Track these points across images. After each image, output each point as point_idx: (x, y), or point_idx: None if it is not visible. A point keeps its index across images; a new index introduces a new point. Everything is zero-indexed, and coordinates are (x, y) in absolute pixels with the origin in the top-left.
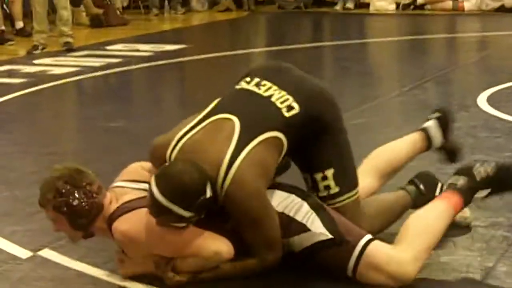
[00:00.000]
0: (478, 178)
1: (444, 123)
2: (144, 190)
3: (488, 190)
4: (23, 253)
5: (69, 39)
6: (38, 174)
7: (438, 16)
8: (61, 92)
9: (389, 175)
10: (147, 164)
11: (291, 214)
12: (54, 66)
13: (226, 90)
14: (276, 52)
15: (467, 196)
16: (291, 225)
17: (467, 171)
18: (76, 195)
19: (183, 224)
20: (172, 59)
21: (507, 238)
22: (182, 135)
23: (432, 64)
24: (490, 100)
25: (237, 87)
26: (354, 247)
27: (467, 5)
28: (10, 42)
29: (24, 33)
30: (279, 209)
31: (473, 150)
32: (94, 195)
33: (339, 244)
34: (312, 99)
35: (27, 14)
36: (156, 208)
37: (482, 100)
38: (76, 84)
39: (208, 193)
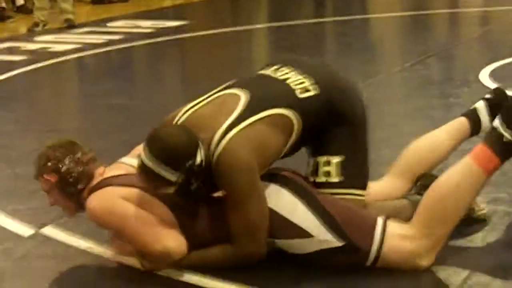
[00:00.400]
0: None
1: (496, 104)
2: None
3: None
4: (25, 231)
5: (70, 16)
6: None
7: None
8: (62, 70)
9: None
10: None
11: (287, 216)
12: (55, 43)
13: (230, 67)
14: (278, 28)
15: (506, 153)
16: (287, 228)
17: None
18: (66, 161)
19: (171, 189)
20: (174, 35)
21: (509, 214)
22: (188, 109)
23: (435, 40)
24: (493, 75)
25: (255, 72)
26: (367, 253)
27: None
28: (10, 19)
29: (24, 10)
30: (271, 205)
31: None
32: (84, 164)
33: (351, 251)
34: (332, 86)
35: None
36: (144, 173)
37: (484, 76)
38: (77, 61)
39: (198, 159)
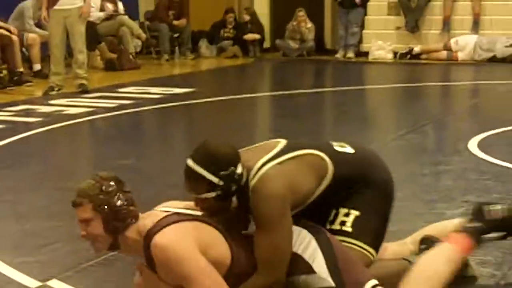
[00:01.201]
0: (488, 220)
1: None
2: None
3: (498, 233)
4: (32, 283)
5: (84, 81)
6: (49, 208)
7: (433, 65)
8: (75, 131)
9: None
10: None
11: (299, 251)
12: (69, 106)
13: (233, 132)
14: (280, 97)
15: (476, 237)
16: (298, 263)
17: (477, 213)
18: (121, 196)
19: (212, 194)
20: (181, 101)
21: (494, 276)
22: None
23: (427, 110)
24: (480, 145)
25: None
26: None
27: (461, 55)
28: (27, 83)
29: (41, 75)
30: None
31: (464, 191)
32: (132, 203)
33: None
34: (369, 153)
35: (45, 58)
36: (188, 176)
37: (473, 145)
38: (89, 124)
39: (239, 169)
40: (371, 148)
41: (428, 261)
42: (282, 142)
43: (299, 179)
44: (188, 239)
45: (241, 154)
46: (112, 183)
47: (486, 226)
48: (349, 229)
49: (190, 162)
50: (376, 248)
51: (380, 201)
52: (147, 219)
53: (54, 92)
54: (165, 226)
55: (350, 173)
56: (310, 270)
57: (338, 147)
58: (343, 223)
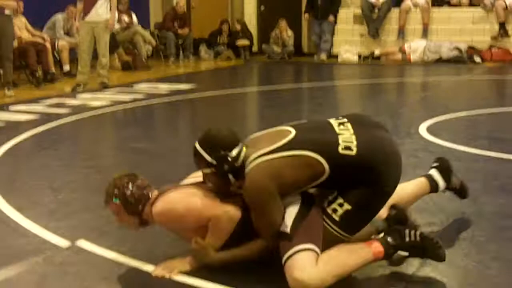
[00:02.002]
0: (406, 240)
1: (443, 170)
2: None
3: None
4: (63, 243)
5: (105, 80)
6: (77, 183)
7: (391, 66)
8: (98, 120)
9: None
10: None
11: (286, 205)
12: (92, 100)
13: (228, 120)
14: (266, 91)
15: (389, 251)
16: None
17: (398, 233)
18: (130, 187)
19: (209, 170)
20: (185, 95)
21: (438, 233)
22: (252, 136)
23: (386, 102)
24: (429, 130)
25: (328, 118)
26: (292, 247)
27: (413, 57)
28: (58, 81)
29: (69, 74)
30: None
31: (415, 167)
32: (143, 189)
33: (287, 240)
34: (374, 152)
35: (73, 60)
36: (193, 155)
37: (422, 130)
38: (109, 114)
39: (234, 153)
40: (384, 142)
41: (346, 251)
42: (291, 135)
43: (288, 175)
44: (174, 208)
45: (253, 139)
46: (123, 179)
47: (401, 246)
48: (337, 218)
49: (196, 143)
50: (354, 233)
51: (375, 200)
52: (155, 194)
53: (80, 88)
54: (158, 198)
55: (348, 173)
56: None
57: (343, 147)
58: (334, 210)
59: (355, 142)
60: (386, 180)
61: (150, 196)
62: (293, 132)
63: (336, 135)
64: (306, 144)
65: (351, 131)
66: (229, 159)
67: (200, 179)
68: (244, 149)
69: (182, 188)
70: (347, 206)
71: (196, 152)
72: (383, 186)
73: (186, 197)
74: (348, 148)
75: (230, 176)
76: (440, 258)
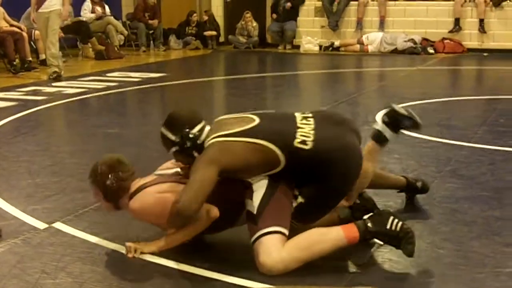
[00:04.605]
0: (386, 228)
1: (391, 122)
2: (163, 174)
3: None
4: (41, 225)
5: (57, 69)
6: (54, 167)
7: (349, 56)
8: (73, 107)
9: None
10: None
11: (254, 183)
12: (67, 87)
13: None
14: (232, 80)
15: (366, 236)
16: (250, 191)
17: (381, 219)
18: (110, 176)
19: (173, 149)
20: (156, 83)
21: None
22: (223, 117)
23: (344, 90)
24: None
25: (293, 111)
26: (258, 230)
27: (370, 48)
28: (35, 70)
29: (46, 63)
30: (252, 177)
31: None
32: (123, 179)
33: (253, 222)
34: (330, 151)
35: None
36: (160, 137)
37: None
38: (83, 101)
39: (195, 130)
40: (347, 140)
41: (317, 236)
42: (253, 123)
43: (238, 157)
44: (150, 208)
45: (218, 121)
46: (104, 167)
47: (379, 233)
48: (292, 210)
49: (161, 127)
50: (308, 224)
51: (330, 197)
52: (135, 186)
53: (55, 76)
54: (137, 192)
55: (301, 166)
56: (251, 197)
57: (299, 141)
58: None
59: (312, 137)
60: (342, 180)
61: (129, 188)
62: (257, 120)
63: (295, 128)
64: (264, 133)
65: (312, 126)
66: (191, 135)
67: (175, 169)
68: (207, 128)
69: (161, 185)
70: (300, 199)
71: (162, 135)
72: (339, 185)
73: (163, 197)
74: (303, 142)
75: (196, 154)
76: (409, 254)
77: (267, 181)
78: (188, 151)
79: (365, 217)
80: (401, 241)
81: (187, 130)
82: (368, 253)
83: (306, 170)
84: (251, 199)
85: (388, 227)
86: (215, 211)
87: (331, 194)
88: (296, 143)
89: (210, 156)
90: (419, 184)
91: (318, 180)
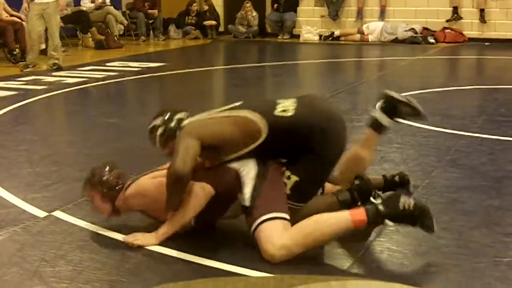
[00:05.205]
0: (399, 210)
1: (388, 109)
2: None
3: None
4: (41, 213)
5: (57, 61)
6: (53, 156)
7: (350, 45)
8: (73, 96)
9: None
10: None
11: (243, 173)
12: (67, 77)
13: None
14: (232, 69)
15: (377, 220)
16: (240, 183)
17: (393, 202)
18: (106, 174)
19: (159, 131)
20: (155, 73)
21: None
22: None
23: (344, 80)
24: None
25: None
26: (255, 220)
27: (371, 37)
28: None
29: (45, 53)
30: (238, 166)
31: None
32: (119, 175)
33: (249, 214)
34: (312, 116)
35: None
36: (148, 133)
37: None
38: (83, 90)
39: (178, 115)
40: (328, 108)
41: (322, 219)
42: (236, 104)
43: (220, 129)
44: (147, 190)
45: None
46: (99, 169)
47: (392, 215)
48: (288, 192)
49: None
50: (307, 201)
51: (320, 167)
52: (130, 181)
53: (29, 69)
54: (130, 185)
55: (284, 136)
56: (241, 191)
57: (279, 111)
58: (284, 184)
59: (293, 107)
60: (327, 147)
61: (124, 185)
62: (239, 103)
63: (276, 103)
64: (244, 107)
65: (294, 100)
66: (175, 119)
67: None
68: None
69: (155, 172)
70: (295, 178)
71: (148, 130)
72: (325, 153)
73: (158, 180)
74: (284, 110)
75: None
76: (429, 229)
77: (256, 171)
78: (172, 132)
79: (375, 201)
80: (417, 219)
81: (169, 115)
82: (367, 242)
83: (289, 140)
84: (242, 192)
85: (401, 208)
86: (209, 188)
87: (321, 164)
88: (277, 112)
89: (190, 129)
90: (396, 178)
91: (304, 152)
